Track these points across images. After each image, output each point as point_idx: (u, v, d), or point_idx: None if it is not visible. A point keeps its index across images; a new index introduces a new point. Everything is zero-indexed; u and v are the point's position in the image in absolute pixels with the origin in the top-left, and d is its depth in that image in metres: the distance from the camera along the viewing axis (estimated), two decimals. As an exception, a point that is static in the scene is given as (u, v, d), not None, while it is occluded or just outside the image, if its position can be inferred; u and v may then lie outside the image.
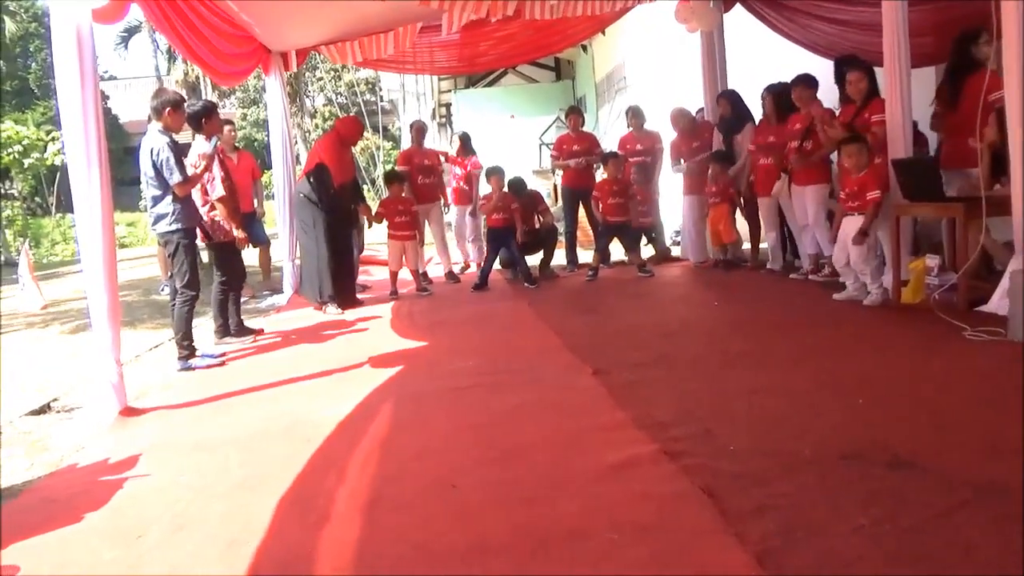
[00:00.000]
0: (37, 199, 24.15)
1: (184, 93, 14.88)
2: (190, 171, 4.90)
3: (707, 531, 2.12)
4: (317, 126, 32.30)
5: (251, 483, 2.83)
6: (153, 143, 4.67)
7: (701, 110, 8.10)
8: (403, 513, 2.44)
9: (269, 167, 10.24)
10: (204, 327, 5.97)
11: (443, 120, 19.23)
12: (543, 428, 3.13)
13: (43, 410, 4.15)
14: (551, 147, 9.08)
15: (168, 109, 4.79)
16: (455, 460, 2.86)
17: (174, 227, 4.76)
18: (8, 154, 16.65)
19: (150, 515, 2.61)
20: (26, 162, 17.04)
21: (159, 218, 4.78)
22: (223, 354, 5.15)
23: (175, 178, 4.66)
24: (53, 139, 17.83)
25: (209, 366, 4.84)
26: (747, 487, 2.38)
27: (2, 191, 22.84)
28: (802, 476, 2.44)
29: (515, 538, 2.18)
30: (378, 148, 29.29)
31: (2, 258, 15.06)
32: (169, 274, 5.55)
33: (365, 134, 28.67)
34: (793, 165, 6.21)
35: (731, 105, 7.37)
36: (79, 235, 3.99)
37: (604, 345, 4.58)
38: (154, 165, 4.66)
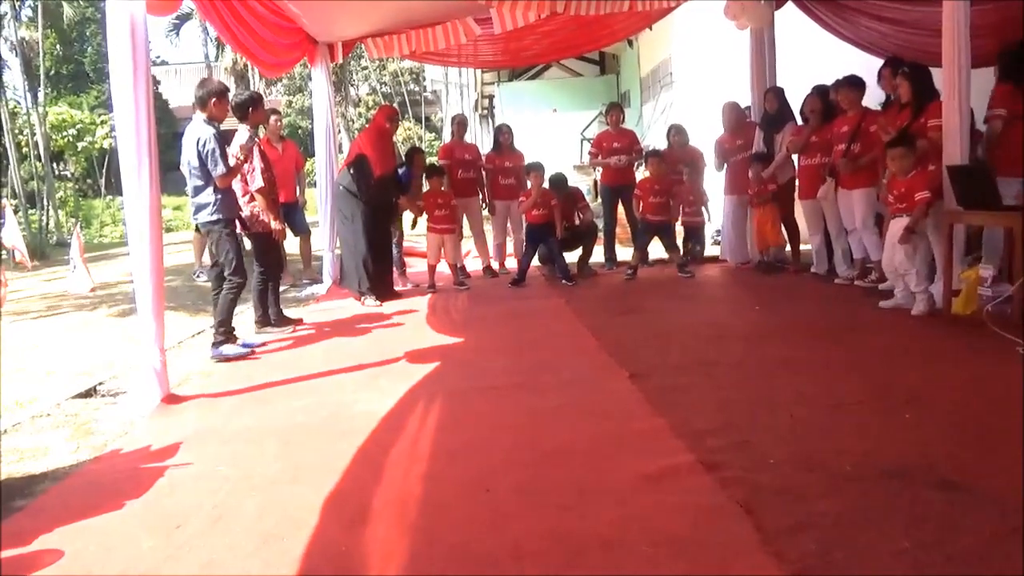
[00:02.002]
0: (89, 180, 24.79)
1: (232, 81, 15.13)
2: (232, 161, 4.96)
3: (744, 548, 2.08)
4: (360, 115, 32.57)
5: (288, 476, 2.86)
6: (200, 133, 4.73)
7: (748, 108, 7.96)
8: (439, 515, 2.45)
9: (313, 155, 10.39)
10: (244, 317, 6.07)
11: (485, 112, 19.23)
12: (578, 433, 3.11)
13: (89, 393, 4.25)
14: (591, 143, 9.00)
15: (214, 99, 4.84)
16: (490, 462, 2.86)
17: (215, 217, 4.82)
18: (63, 137, 17.10)
19: (189, 505, 2.66)
20: (79, 145, 17.49)
21: (200, 208, 4.84)
22: (261, 344, 5.21)
23: (219, 170, 4.73)
24: (103, 122, 18.29)
25: (239, 357, 4.88)
26: (786, 503, 2.33)
27: (55, 172, 23.47)
28: (843, 494, 2.38)
29: (549, 545, 2.17)
30: (420, 139, 29.42)
31: (55, 239, 15.47)
32: (209, 262, 5.64)
33: (407, 124, 28.96)
34: (840, 168, 6.08)
35: (777, 101, 7.24)
36: (127, 219, 4.06)
37: (642, 348, 4.53)
38: (199, 156, 4.72)
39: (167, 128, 25.35)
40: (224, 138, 4.90)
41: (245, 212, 5.31)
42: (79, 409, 3.96)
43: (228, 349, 4.89)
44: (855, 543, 2.07)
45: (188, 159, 4.78)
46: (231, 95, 5.22)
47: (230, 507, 2.62)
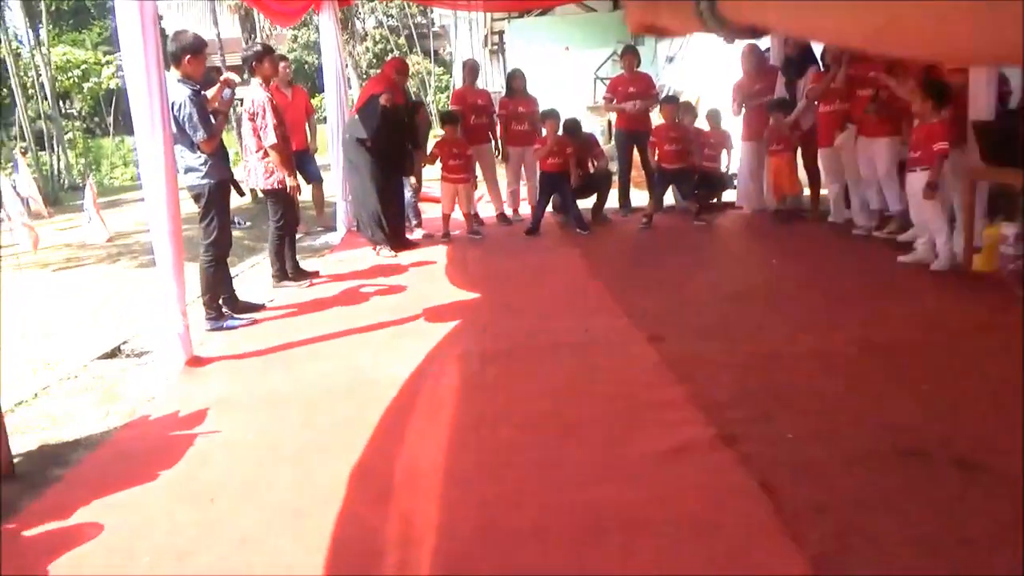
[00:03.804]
0: (96, 119, 24.57)
1: (237, 20, 14.80)
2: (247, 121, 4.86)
3: (763, 530, 2.13)
4: (368, 49, 31.91)
5: (316, 446, 2.93)
6: (175, 96, 4.34)
7: (767, 51, 7.74)
8: (462, 489, 2.51)
9: (321, 91, 10.21)
10: (261, 269, 6.11)
11: (495, 48, 18.78)
12: (598, 402, 3.15)
13: (114, 353, 4.33)
14: (606, 85, 8.82)
15: (188, 56, 4.45)
16: (511, 433, 2.91)
17: (204, 181, 4.56)
18: (68, 78, 16.90)
19: (220, 476, 2.74)
20: (85, 86, 17.30)
21: (188, 170, 4.57)
22: (250, 323, 4.82)
23: (200, 135, 4.43)
24: (109, 62, 18.02)
25: (239, 326, 4.68)
26: (805, 482, 2.38)
27: (62, 111, 23.27)
28: (862, 472, 2.42)
29: (572, 524, 2.23)
30: (429, 73, 28.85)
31: (65, 183, 15.46)
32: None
33: (415, 58, 28.35)
34: (866, 114, 5.94)
35: (799, 45, 7.04)
36: (142, 174, 3.97)
37: (659, 307, 4.54)
38: (176, 120, 4.36)
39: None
40: (204, 101, 4.58)
41: (260, 168, 5.28)
42: (104, 371, 4.04)
43: (219, 325, 4.67)
44: (873, 527, 2.12)
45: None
46: (252, 50, 5.06)
47: (260, 479, 2.70)
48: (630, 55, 8.08)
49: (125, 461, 2.91)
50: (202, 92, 4.60)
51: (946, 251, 4.88)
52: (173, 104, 4.32)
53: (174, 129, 4.39)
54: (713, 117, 7.94)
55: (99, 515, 2.50)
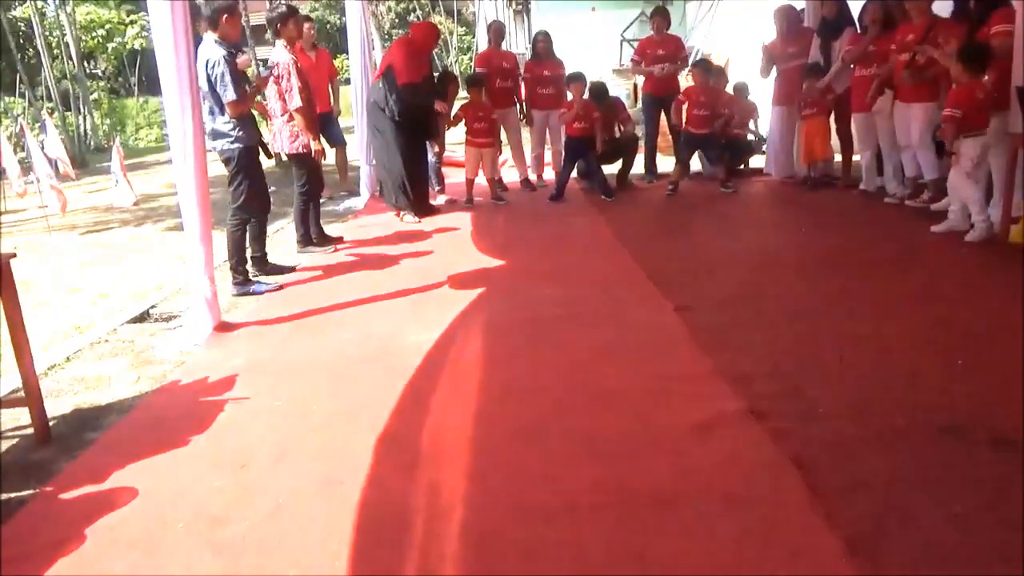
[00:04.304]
0: (120, 79, 24.60)
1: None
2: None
3: (796, 509, 2.12)
4: (390, 9, 31.55)
5: (344, 415, 2.95)
6: (209, 55, 4.45)
7: (802, 11, 7.52)
8: (491, 461, 2.52)
9: (343, 51, 10.08)
10: (286, 234, 6.12)
11: (519, 8, 18.44)
12: (626, 374, 3.13)
13: (143, 317, 4.37)
14: (634, 48, 8.64)
15: (224, 16, 4.51)
16: (540, 405, 2.90)
17: (234, 147, 4.60)
18: (92, 38, 16.89)
19: (251, 442, 2.76)
20: (109, 46, 17.30)
21: (218, 135, 4.60)
22: (277, 288, 4.82)
23: (228, 95, 4.46)
24: (133, 22, 17.97)
25: (266, 291, 4.69)
26: (838, 460, 2.35)
27: (87, 70, 23.33)
28: (896, 450, 2.39)
29: (602, 499, 2.23)
30: (451, 33, 28.46)
31: (92, 144, 15.54)
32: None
33: (438, 18, 27.96)
34: (903, 80, 5.77)
35: (836, 6, 6.82)
36: (168, 127, 3.93)
37: (686, 276, 4.50)
38: (209, 80, 4.46)
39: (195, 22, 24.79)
40: (236, 64, 4.60)
41: (285, 133, 5.24)
42: (135, 335, 4.08)
43: (257, 288, 4.71)
44: (908, 506, 2.09)
45: (200, 83, 4.45)
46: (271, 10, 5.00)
47: (291, 446, 2.72)
48: (659, 17, 7.89)
49: (157, 426, 2.95)
50: (236, 55, 4.63)
51: (982, 220, 4.77)
52: (207, 62, 4.44)
53: (205, 88, 4.49)
54: (741, 90, 7.79)
55: (133, 479, 2.54)
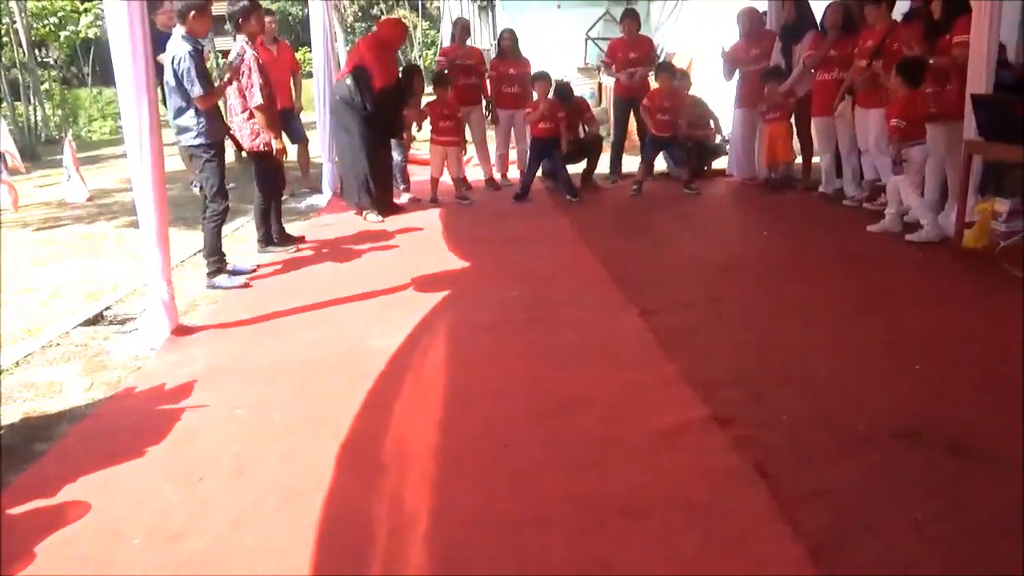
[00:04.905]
0: (73, 69, 23.86)
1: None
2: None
3: (761, 518, 2.13)
4: (353, 1, 31.17)
5: (306, 422, 2.89)
6: (176, 50, 4.45)
7: (765, 14, 7.60)
8: (457, 471, 2.49)
9: (304, 44, 9.88)
10: (246, 232, 6.01)
11: (484, 3, 18.37)
12: (591, 379, 3.13)
13: (96, 320, 4.24)
14: (601, 49, 8.64)
15: (193, 12, 4.48)
16: (506, 411, 2.88)
17: (199, 142, 4.58)
18: (44, 26, 16.36)
19: (210, 452, 2.69)
20: (62, 35, 16.76)
21: (183, 131, 4.60)
22: (253, 270, 5.06)
23: (196, 90, 4.44)
24: (87, 10, 17.42)
25: (235, 287, 4.71)
26: (800, 467, 2.38)
27: (38, 59, 22.60)
28: (857, 457, 2.42)
29: (570, 510, 2.22)
30: (415, 27, 28.26)
31: (43, 135, 15.07)
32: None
33: (402, 12, 27.75)
34: (859, 85, 5.88)
35: (797, 9, 6.91)
36: (124, 125, 3.79)
37: (650, 279, 4.52)
38: (175, 75, 4.45)
39: (152, 12, 24.18)
40: (204, 58, 4.60)
41: (245, 130, 5.14)
42: (88, 339, 3.96)
43: (221, 280, 4.74)
44: (870, 515, 2.12)
45: (167, 78, 4.53)
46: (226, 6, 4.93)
47: (251, 456, 2.66)
48: (630, 19, 7.87)
49: (111, 436, 2.86)
50: (203, 50, 4.60)
51: (928, 224, 4.94)
52: (173, 58, 4.43)
53: (172, 83, 4.46)
54: (696, 102, 7.85)
55: (86, 493, 2.46)
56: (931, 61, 5.00)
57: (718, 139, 8.04)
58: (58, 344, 3.87)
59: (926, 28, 5.26)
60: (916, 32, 5.44)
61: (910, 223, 5.24)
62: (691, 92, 7.83)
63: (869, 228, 5.34)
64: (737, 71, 7.42)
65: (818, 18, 6.72)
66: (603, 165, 7.94)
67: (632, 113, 7.83)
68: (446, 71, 7.52)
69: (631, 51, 7.70)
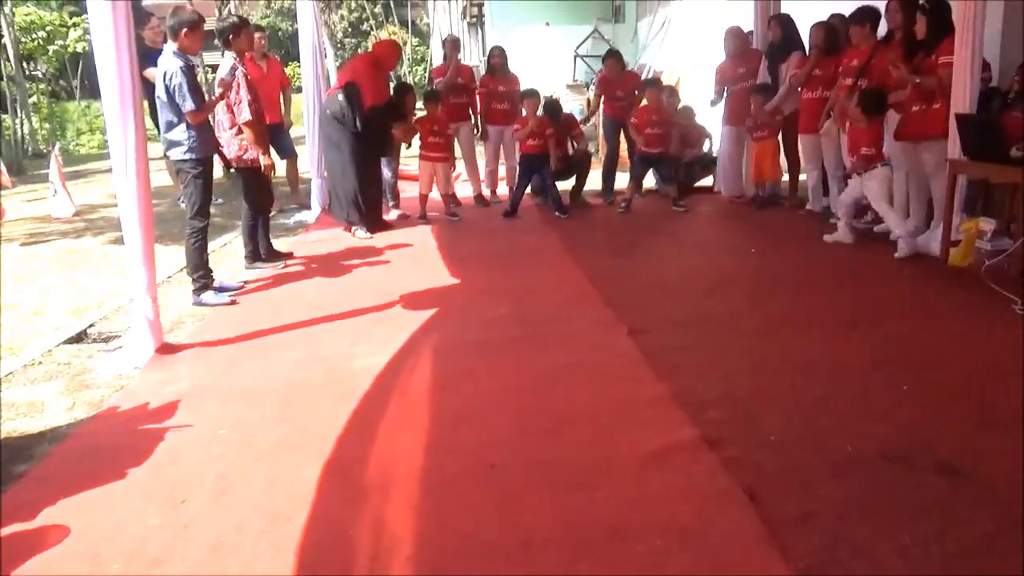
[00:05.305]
0: (61, 82, 23.76)
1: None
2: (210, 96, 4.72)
3: (750, 541, 2.11)
4: (343, 17, 31.29)
5: (291, 443, 2.86)
6: (167, 66, 4.47)
7: (750, 33, 7.67)
8: (443, 493, 2.46)
9: (295, 59, 9.89)
10: (235, 247, 5.97)
11: (473, 20, 18.49)
12: (581, 399, 3.11)
13: (80, 338, 4.19)
14: (591, 68, 8.69)
15: (184, 30, 4.51)
16: (494, 432, 2.86)
17: (188, 156, 4.59)
18: (32, 40, 16.31)
19: (193, 474, 2.65)
20: (50, 49, 16.71)
21: (173, 145, 4.60)
22: (240, 287, 5.02)
23: (188, 105, 4.46)
24: (76, 24, 17.40)
25: (221, 304, 4.68)
26: (790, 489, 2.36)
27: (26, 72, 22.52)
28: (846, 478, 2.41)
29: (558, 534, 2.19)
30: (405, 43, 28.37)
31: (30, 149, 14.99)
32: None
33: (391, 28, 27.84)
34: (844, 104, 5.92)
35: (782, 29, 6.97)
36: (110, 141, 3.77)
37: (639, 297, 4.51)
38: (167, 90, 4.47)
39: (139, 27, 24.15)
40: (195, 73, 4.60)
41: (233, 146, 5.12)
42: (71, 357, 3.91)
43: (208, 297, 4.69)
44: (858, 537, 2.10)
45: (159, 93, 4.55)
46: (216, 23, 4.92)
47: (234, 478, 2.62)
48: (612, 60, 7.83)
49: (92, 457, 2.81)
50: (194, 66, 4.65)
51: (903, 239, 5.09)
52: (165, 74, 4.46)
53: (164, 98, 4.49)
54: (685, 113, 7.92)
55: (65, 517, 2.41)
56: (918, 80, 5.04)
57: (707, 147, 8.08)
58: (40, 362, 3.82)
59: (907, 48, 5.30)
60: (898, 52, 5.50)
61: (879, 233, 5.58)
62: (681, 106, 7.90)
63: (825, 238, 5.65)
64: (725, 89, 7.48)
65: (804, 37, 6.79)
66: (592, 182, 7.96)
67: (623, 133, 7.84)
68: (436, 87, 7.54)
69: (618, 89, 7.75)
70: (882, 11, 5.84)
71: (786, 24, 6.96)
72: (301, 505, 2.41)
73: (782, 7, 7.35)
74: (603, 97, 7.95)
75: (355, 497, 2.46)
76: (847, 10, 6.16)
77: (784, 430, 2.75)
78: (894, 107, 5.37)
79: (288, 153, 7.94)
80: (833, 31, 6.31)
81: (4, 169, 8.74)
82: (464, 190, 8.22)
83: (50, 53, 17.28)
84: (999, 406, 2.90)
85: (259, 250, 5.59)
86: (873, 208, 5.59)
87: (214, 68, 5.89)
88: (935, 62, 5.08)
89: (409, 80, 20.85)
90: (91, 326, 4.36)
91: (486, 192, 8.08)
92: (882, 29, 5.92)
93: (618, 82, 7.78)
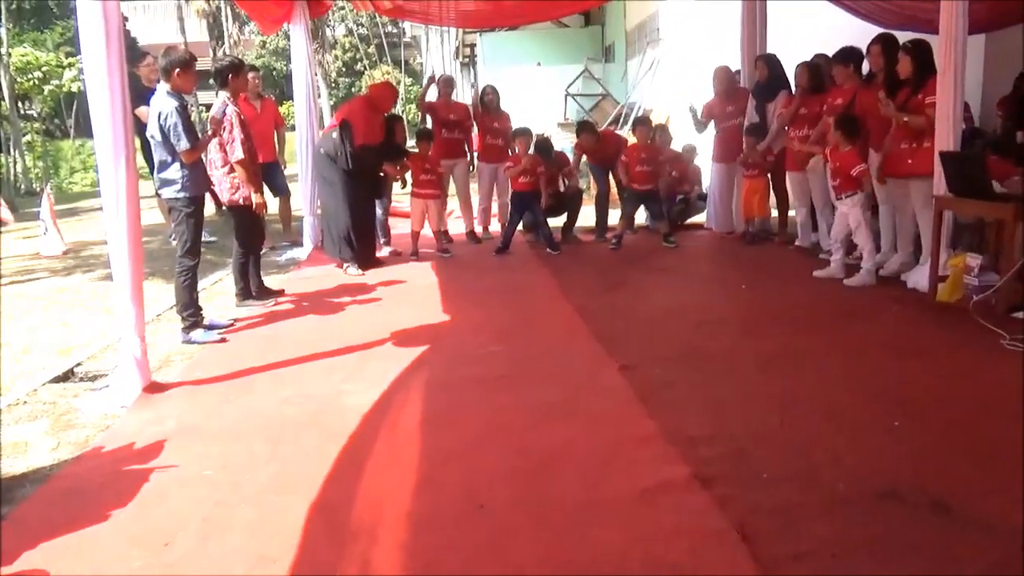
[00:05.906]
0: (56, 121, 23.96)
1: (205, 24, 14.58)
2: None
3: (743, 582, 2.08)
4: (337, 58, 31.70)
5: (278, 484, 2.82)
6: (161, 106, 4.50)
7: (738, 72, 7.80)
8: (432, 534, 2.42)
9: (288, 98, 10.02)
10: (226, 286, 5.96)
11: (466, 60, 18.78)
12: (572, 437, 3.08)
13: (67, 376, 4.15)
14: (583, 107, 8.80)
15: (177, 69, 4.56)
16: (484, 471, 2.83)
17: (181, 195, 4.61)
18: (28, 80, 16.45)
19: (177, 516, 2.61)
20: (46, 89, 16.86)
21: (166, 184, 4.62)
22: (230, 324, 5.00)
23: (182, 145, 4.49)
24: (71, 64, 17.59)
25: (211, 341, 4.65)
26: (782, 528, 2.33)
27: (20, 111, 22.70)
28: (839, 517, 2.38)
29: (550, 573, 2.16)
30: (398, 83, 28.75)
31: (23, 187, 15.03)
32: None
33: (385, 68, 28.25)
34: (829, 136, 5.99)
35: (769, 69, 7.09)
36: (101, 180, 3.77)
37: (630, 333, 4.51)
38: (161, 130, 4.50)
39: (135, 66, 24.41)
40: (188, 113, 4.65)
41: (225, 184, 5.14)
42: (56, 396, 3.86)
43: (197, 335, 4.68)
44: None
45: (151, 133, 4.58)
46: (217, 62, 4.98)
47: (220, 521, 2.57)
48: (586, 133, 7.75)
49: (75, 499, 2.76)
50: (188, 105, 4.68)
51: (866, 270, 5.38)
52: (160, 114, 4.50)
53: (159, 137, 4.52)
54: (688, 152, 8.04)
55: (46, 561, 2.36)
56: (906, 119, 5.11)
57: (697, 190, 8.17)
58: (25, 402, 3.78)
59: (888, 87, 5.38)
60: (883, 91, 5.58)
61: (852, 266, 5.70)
62: (671, 147, 7.99)
63: (815, 273, 5.73)
64: (712, 125, 7.58)
65: (790, 75, 6.90)
66: (584, 219, 8.00)
67: (611, 174, 7.87)
68: (429, 124, 7.61)
69: (595, 153, 7.80)
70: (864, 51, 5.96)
71: (772, 64, 7.08)
72: (288, 547, 2.37)
73: (767, 45, 7.48)
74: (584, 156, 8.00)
75: (343, 538, 2.42)
76: (831, 50, 6.29)
77: (776, 468, 2.73)
78: (874, 147, 5.45)
79: (282, 191, 7.98)
80: (818, 70, 6.43)
81: (6, 207, 8.73)
82: (456, 226, 8.25)
83: (45, 93, 17.44)
84: (991, 442, 2.89)
85: (250, 288, 5.58)
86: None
87: (208, 107, 5.94)
88: (922, 101, 5.16)
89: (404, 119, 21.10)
90: (78, 365, 4.32)
91: (478, 229, 8.12)
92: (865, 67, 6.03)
93: (594, 149, 7.76)
